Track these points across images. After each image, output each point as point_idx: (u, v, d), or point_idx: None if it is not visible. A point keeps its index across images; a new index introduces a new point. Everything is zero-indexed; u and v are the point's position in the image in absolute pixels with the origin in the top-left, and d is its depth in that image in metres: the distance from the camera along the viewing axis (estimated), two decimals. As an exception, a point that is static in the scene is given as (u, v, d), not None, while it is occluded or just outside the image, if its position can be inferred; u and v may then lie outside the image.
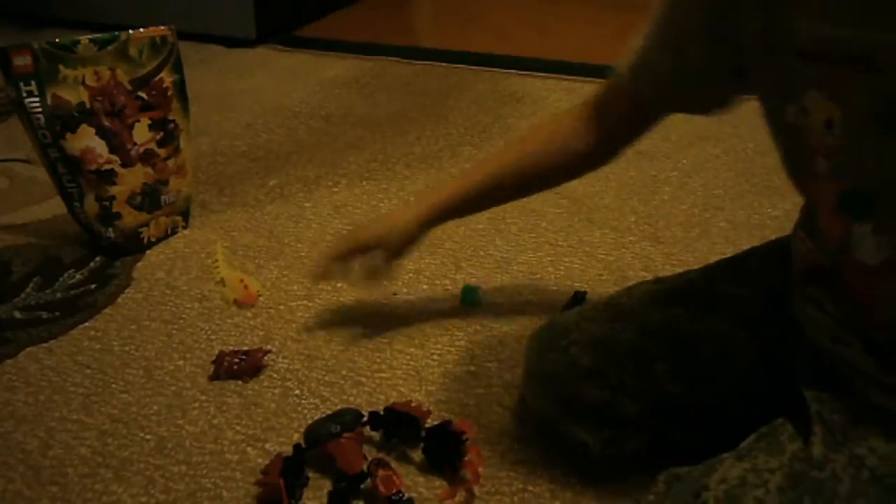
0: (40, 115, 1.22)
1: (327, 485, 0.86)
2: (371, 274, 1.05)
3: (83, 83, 1.24)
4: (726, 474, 0.66)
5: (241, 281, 1.21)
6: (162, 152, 1.34)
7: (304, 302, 1.20)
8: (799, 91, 0.64)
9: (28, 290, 1.25)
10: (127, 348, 1.11)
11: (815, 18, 0.61)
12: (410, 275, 1.25)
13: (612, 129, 0.90)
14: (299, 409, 0.98)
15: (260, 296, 1.20)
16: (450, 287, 1.22)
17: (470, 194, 0.99)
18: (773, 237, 0.89)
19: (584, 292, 1.16)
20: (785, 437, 0.69)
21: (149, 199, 1.34)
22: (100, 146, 1.26)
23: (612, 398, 0.82)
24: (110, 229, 1.31)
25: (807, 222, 0.73)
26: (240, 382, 1.03)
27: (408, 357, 1.07)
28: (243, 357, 1.05)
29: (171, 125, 1.34)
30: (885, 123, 0.60)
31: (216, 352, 1.09)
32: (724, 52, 0.72)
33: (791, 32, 0.63)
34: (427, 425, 0.90)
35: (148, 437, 0.95)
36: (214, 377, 1.03)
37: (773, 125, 0.71)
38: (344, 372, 1.05)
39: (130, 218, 1.32)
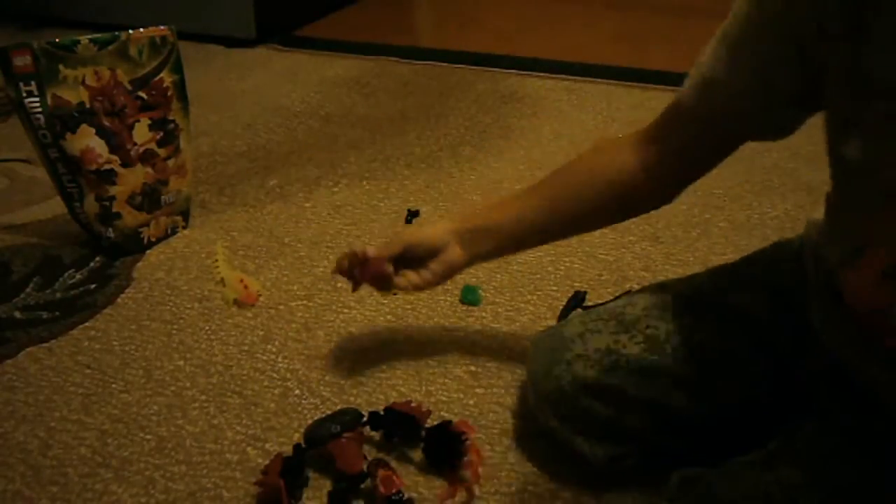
0: (40, 115, 1.22)
1: (327, 485, 0.86)
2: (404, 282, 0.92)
3: (83, 83, 1.24)
4: (751, 485, 0.64)
5: (241, 281, 1.21)
6: (162, 152, 1.34)
7: (304, 302, 1.20)
8: (883, 131, 0.58)
9: (28, 290, 1.25)
10: (127, 348, 1.11)
11: None
12: (410, 275, 1.25)
13: (673, 156, 0.79)
14: (299, 409, 0.98)
15: (260, 296, 1.20)
16: (450, 287, 1.22)
17: (517, 218, 0.88)
18: (773, 237, 0.89)
19: (584, 292, 1.16)
20: (807, 446, 0.67)
21: (149, 199, 1.34)
22: (100, 146, 1.26)
23: (615, 412, 0.81)
24: (110, 229, 1.31)
25: (845, 254, 0.67)
26: (240, 382, 1.03)
27: (408, 357, 1.07)
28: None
29: (171, 125, 1.34)
30: None
31: (216, 352, 1.09)
32: (804, 75, 0.66)
33: (879, 69, 0.57)
34: (427, 425, 0.90)
35: (148, 437, 0.95)
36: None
37: (836, 159, 0.65)
38: (344, 372, 1.05)
39: (130, 218, 1.32)
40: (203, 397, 1.01)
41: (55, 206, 1.42)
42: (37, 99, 1.21)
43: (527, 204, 0.88)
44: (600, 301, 1.03)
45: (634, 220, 1.39)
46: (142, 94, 1.30)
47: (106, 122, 1.27)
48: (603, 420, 0.82)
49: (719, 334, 0.81)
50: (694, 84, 0.75)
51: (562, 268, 1.26)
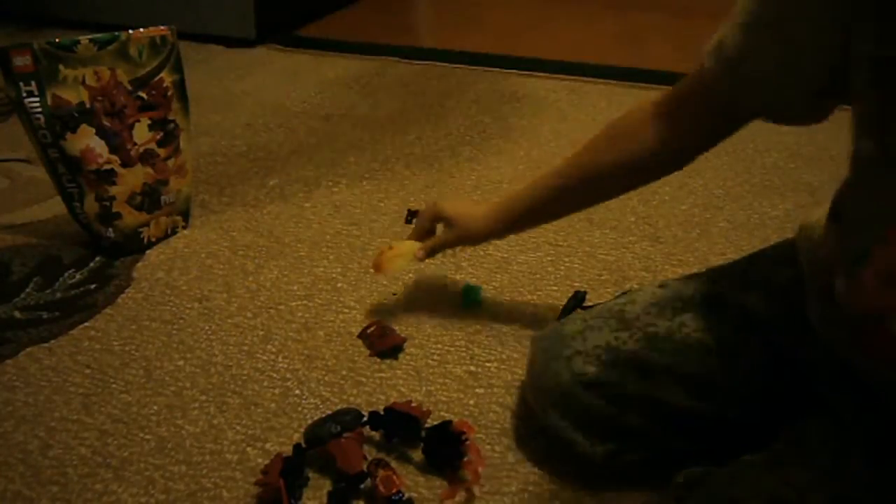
0: (40, 115, 1.22)
1: (327, 485, 0.86)
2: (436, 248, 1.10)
3: (83, 83, 1.24)
4: (759, 486, 0.64)
5: (390, 248, 1.12)
6: (162, 152, 1.34)
7: (304, 302, 1.20)
8: None
9: (28, 290, 1.25)
10: (127, 348, 1.11)
11: None
12: (410, 275, 1.25)
13: (688, 131, 0.83)
14: (299, 409, 0.98)
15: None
16: (450, 287, 1.22)
17: (541, 198, 0.96)
18: (773, 237, 0.89)
19: (584, 292, 1.15)
20: (814, 445, 0.67)
21: (149, 199, 1.34)
22: (100, 146, 1.26)
23: (616, 410, 0.81)
24: (110, 229, 1.31)
25: (848, 258, 0.66)
26: (240, 382, 1.03)
27: (408, 357, 1.07)
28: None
29: (171, 125, 1.34)
30: None
31: (216, 352, 1.09)
32: (832, 63, 0.64)
33: None
34: (427, 425, 0.90)
35: (148, 437, 0.95)
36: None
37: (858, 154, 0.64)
38: (344, 372, 1.05)
39: (130, 218, 1.32)
40: (203, 397, 1.01)
41: (55, 206, 1.42)
42: (37, 99, 1.21)
43: (545, 190, 0.96)
44: (600, 301, 1.03)
45: (634, 220, 1.40)
46: (142, 94, 1.30)
47: (106, 122, 1.27)
48: (603, 417, 0.82)
49: (718, 332, 0.81)
50: (718, 66, 0.74)
51: (562, 268, 1.26)
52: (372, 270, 1.15)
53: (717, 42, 0.74)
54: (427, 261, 1.27)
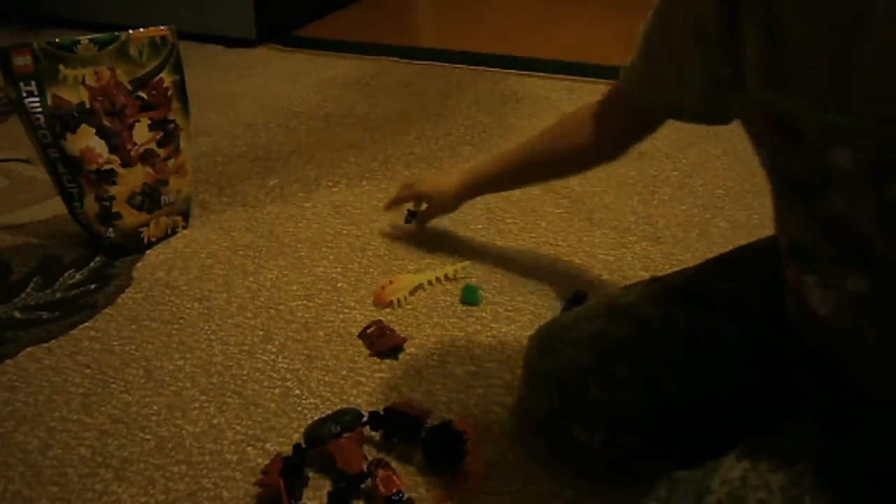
0: (40, 115, 1.22)
1: (327, 485, 0.87)
2: (418, 221, 1.35)
3: (83, 83, 1.24)
4: (727, 475, 0.66)
5: (391, 282, 1.20)
6: (162, 152, 1.34)
7: (304, 302, 1.20)
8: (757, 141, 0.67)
9: (28, 290, 1.25)
10: (127, 348, 1.11)
11: (756, 78, 0.61)
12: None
13: (615, 130, 0.97)
14: (299, 409, 0.99)
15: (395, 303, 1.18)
16: (450, 287, 1.22)
17: (501, 173, 1.17)
18: (772, 237, 0.90)
19: (585, 292, 1.16)
20: (784, 433, 0.69)
21: (149, 199, 1.34)
22: (100, 146, 1.26)
23: (609, 396, 0.82)
24: (110, 229, 1.31)
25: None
26: (240, 382, 1.03)
27: (408, 357, 1.07)
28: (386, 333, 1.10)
29: (171, 125, 1.34)
30: (810, 191, 0.61)
31: (216, 352, 1.09)
32: (711, 75, 0.71)
33: (742, 82, 0.63)
34: (427, 425, 0.90)
35: (148, 437, 0.95)
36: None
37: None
38: (344, 372, 1.05)
39: (130, 218, 1.32)
40: (203, 397, 1.01)
41: (55, 206, 1.42)
42: (37, 99, 1.21)
43: (506, 167, 1.16)
44: (600, 301, 1.03)
45: (634, 220, 1.40)
46: (142, 94, 1.30)
47: (106, 122, 1.27)
48: (597, 404, 0.82)
49: (710, 321, 0.82)
50: (628, 87, 0.88)
51: (562, 268, 1.26)
52: (374, 304, 1.19)
53: (629, 63, 0.86)
54: (427, 260, 1.27)
